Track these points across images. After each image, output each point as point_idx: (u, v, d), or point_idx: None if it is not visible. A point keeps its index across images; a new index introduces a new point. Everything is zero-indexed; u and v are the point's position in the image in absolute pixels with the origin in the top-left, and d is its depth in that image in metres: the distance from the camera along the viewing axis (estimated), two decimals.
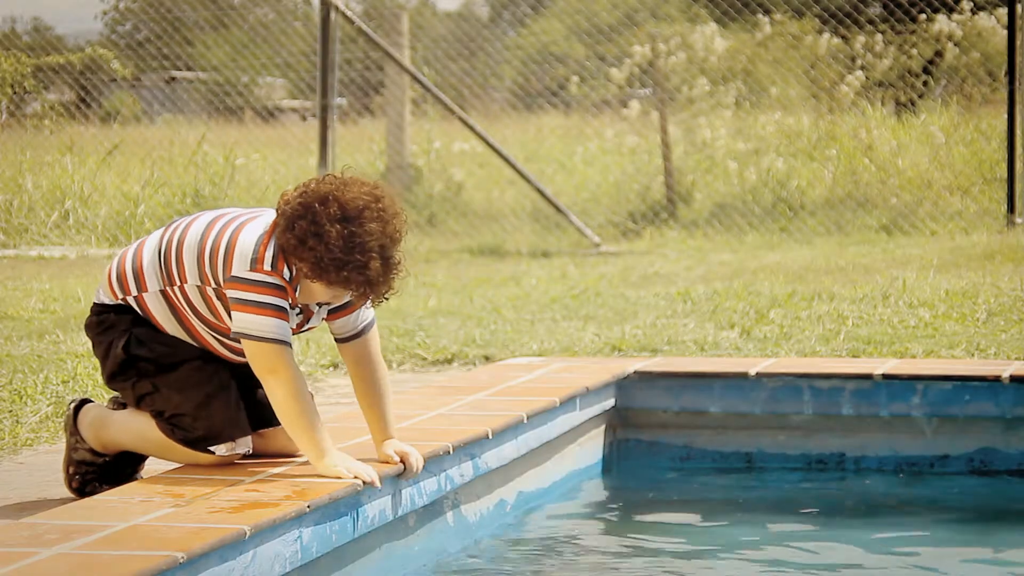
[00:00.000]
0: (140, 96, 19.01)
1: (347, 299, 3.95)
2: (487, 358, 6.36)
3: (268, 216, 3.91)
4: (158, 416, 4.01)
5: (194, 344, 4.02)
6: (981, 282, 8.36)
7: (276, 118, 17.84)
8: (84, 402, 4.24)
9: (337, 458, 3.81)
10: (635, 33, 14.84)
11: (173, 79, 18.61)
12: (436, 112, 15.20)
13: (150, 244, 4.04)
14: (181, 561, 3.06)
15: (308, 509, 3.53)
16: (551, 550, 4.50)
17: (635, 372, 5.56)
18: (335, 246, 3.72)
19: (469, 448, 4.39)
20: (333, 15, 13.46)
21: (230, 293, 3.81)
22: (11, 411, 5.21)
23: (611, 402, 5.50)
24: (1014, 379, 5.28)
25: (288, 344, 3.82)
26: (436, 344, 6.65)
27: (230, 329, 3.90)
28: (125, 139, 15.71)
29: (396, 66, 13.97)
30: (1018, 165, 12.35)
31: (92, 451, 4.16)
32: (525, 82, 16.27)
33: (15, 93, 15.33)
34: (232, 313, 3.82)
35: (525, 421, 4.73)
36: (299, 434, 3.82)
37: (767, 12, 14.71)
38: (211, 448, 3.98)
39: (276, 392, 3.81)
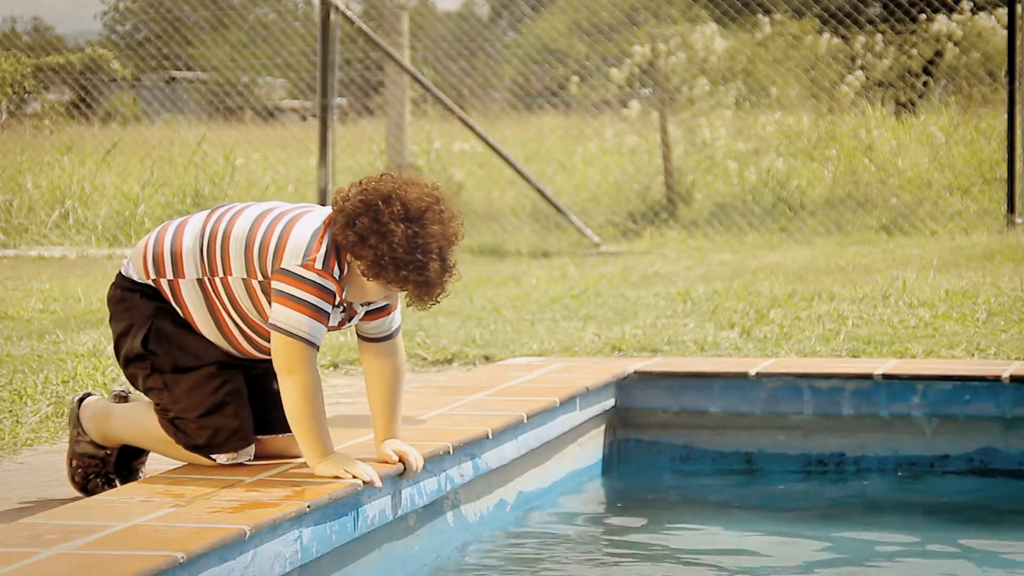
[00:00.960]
0: (140, 96, 19.00)
1: (393, 299, 3.95)
2: (487, 358, 6.37)
3: (320, 212, 3.91)
4: (163, 414, 4.01)
5: (216, 342, 4.00)
6: (981, 282, 8.36)
7: (276, 118, 17.84)
8: (87, 395, 4.24)
9: (335, 462, 3.82)
10: (635, 33, 14.84)
11: (173, 79, 18.61)
12: (436, 112, 15.20)
13: (192, 228, 3.99)
14: (181, 561, 3.06)
15: (308, 509, 3.53)
16: (551, 550, 4.50)
17: (635, 372, 5.56)
18: (398, 245, 3.75)
19: (469, 448, 4.39)
20: (333, 15, 13.46)
21: (276, 285, 3.81)
22: (11, 411, 5.21)
23: (611, 402, 5.50)
24: (1014, 379, 5.28)
25: (316, 347, 3.82)
26: (436, 344, 6.65)
27: (267, 323, 3.89)
28: (125, 139, 15.72)
29: (396, 66, 13.97)
30: (1018, 165, 12.35)
31: (94, 443, 4.16)
32: (525, 82, 16.28)
33: (15, 93, 15.33)
34: (272, 304, 3.82)
35: (525, 421, 4.73)
36: (303, 436, 3.83)
37: (767, 12, 14.71)
38: (212, 456, 3.99)
39: (291, 391, 3.81)
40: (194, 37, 17.25)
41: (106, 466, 4.17)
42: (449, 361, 6.42)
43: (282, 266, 3.80)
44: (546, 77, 16.39)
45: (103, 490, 4.07)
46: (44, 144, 15.18)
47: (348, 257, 3.80)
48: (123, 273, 4.09)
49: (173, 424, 4.00)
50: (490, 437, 4.49)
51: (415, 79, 13.83)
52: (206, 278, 3.95)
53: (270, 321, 3.82)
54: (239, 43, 17.07)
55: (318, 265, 3.79)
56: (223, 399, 3.99)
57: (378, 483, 3.80)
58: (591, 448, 5.45)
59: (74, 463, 4.17)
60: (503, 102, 16.77)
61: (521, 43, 18.22)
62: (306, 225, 3.85)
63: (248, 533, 3.29)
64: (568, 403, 5.10)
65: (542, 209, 13.35)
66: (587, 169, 14.72)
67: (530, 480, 4.94)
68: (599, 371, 5.52)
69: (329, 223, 3.82)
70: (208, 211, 4.05)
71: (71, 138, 15.36)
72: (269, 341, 3.87)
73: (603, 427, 5.53)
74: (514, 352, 6.41)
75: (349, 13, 13.68)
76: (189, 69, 17.69)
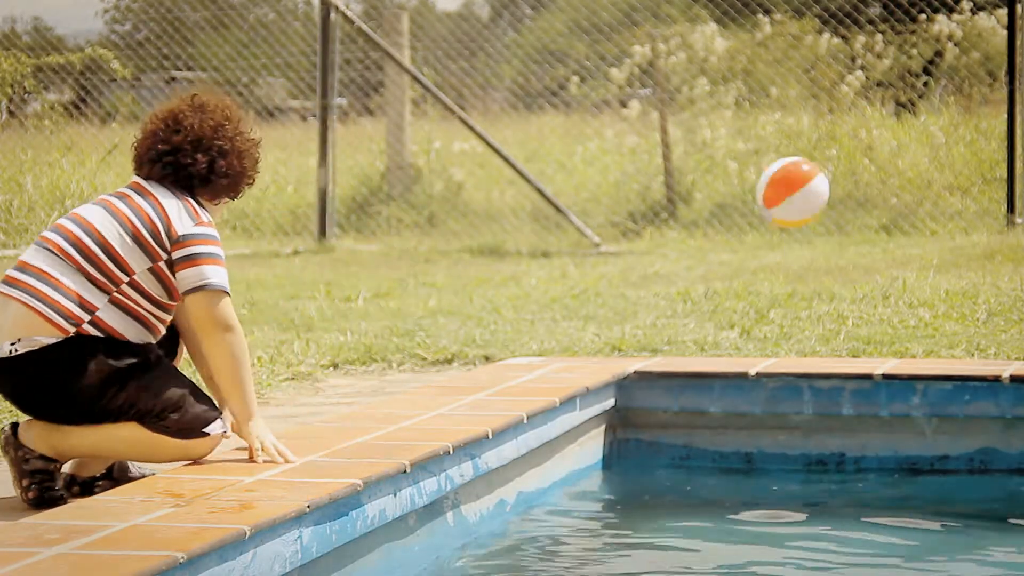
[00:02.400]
0: (140, 96, 19.00)
1: None
2: (487, 358, 6.36)
3: (148, 189, 4.01)
4: (143, 419, 3.96)
5: (149, 342, 4.00)
6: (981, 282, 8.36)
7: (276, 118, 17.84)
8: (15, 424, 4.10)
9: (262, 427, 3.89)
10: (635, 33, 14.84)
11: (173, 79, 18.61)
12: (436, 112, 15.20)
13: (59, 270, 3.91)
14: (181, 561, 3.06)
15: (308, 509, 3.53)
16: (551, 550, 4.50)
17: (635, 372, 5.56)
18: (239, 165, 4.05)
19: (469, 448, 4.39)
20: (333, 15, 13.46)
21: (180, 252, 3.88)
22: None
23: (611, 402, 5.50)
24: (1014, 379, 5.27)
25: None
26: (436, 344, 6.65)
27: (175, 302, 3.95)
28: (125, 139, 15.71)
29: (396, 66, 13.97)
30: (1018, 165, 12.35)
31: (43, 458, 4.01)
32: (525, 82, 16.27)
33: (15, 93, 15.32)
34: (181, 272, 3.88)
35: (525, 421, 4.73)
36: (242, 392, 3.87)
37: (767, 12, 14.71)
38: (207, 430, 3.98)
39: (231, 347, 3.85)
40: (194, 37, 17.25)
41: (55, 480, 4.02)
42: (449, 361, 6.42)
43: (180, 234, 3.89)
44: (546, 77, 16.39)
45: (59, 503, 3.95)
46: (44, 144, 15.18)
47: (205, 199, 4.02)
48: (27, 350, 3.89)
49: (159, 421, 3.96)
50: (490, 437, 4.49)
51: (415, 79, 13.83)
52: (113, 293, 3.93)
53: (192, 286, 3.86)
54: (239, 43, 17.07)
55: (204, 219, 3.93)
56: (183, 379, 4.01)
57: (292, 459, 3.88)
58: (591, 448, 5.45)
59: (25, 482, 4.00)
60: (503, 102, 16.77)
61: (521, 43, 18.23)
62: (162, 196, 3.98)
63: (248, 533, 3.29)
64: (568, 403, 5.10)
65: (542, 209, 13.35)
66: (587, 169, 14.72)
67: (530, 480, 4.94)
68: (599, 371, 5.52)
69: (170, 185, 3.99)
70: (39, 248, 3.96)
71: (71, 138, 15.36)
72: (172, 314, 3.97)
73: (603, 427, 5.53)
74: (514, 352, 6.41)
75: (349, 13, 13.68)
76: (189, 69, 17.68)
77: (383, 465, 3.92)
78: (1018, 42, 12.50)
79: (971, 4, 14.34)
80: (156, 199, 3.97)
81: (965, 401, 5.32)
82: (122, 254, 3.92)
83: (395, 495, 3.97)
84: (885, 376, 5.38)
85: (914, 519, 4.89)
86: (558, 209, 13.01)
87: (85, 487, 4.10)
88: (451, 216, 13.95)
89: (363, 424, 4.56)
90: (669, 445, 5.60)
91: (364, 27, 13.75)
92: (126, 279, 3.93)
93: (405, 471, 3.99)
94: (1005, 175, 12.53)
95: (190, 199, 4.00)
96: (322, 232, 13.36)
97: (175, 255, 3.91)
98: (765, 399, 5.46)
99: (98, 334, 3.92)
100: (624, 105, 15.24)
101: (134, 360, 3.95)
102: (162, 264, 3.92)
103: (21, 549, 3.11)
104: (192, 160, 4.04)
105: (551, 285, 9.43)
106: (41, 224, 13.74)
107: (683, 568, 4.33)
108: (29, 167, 14.39)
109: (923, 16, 14.22)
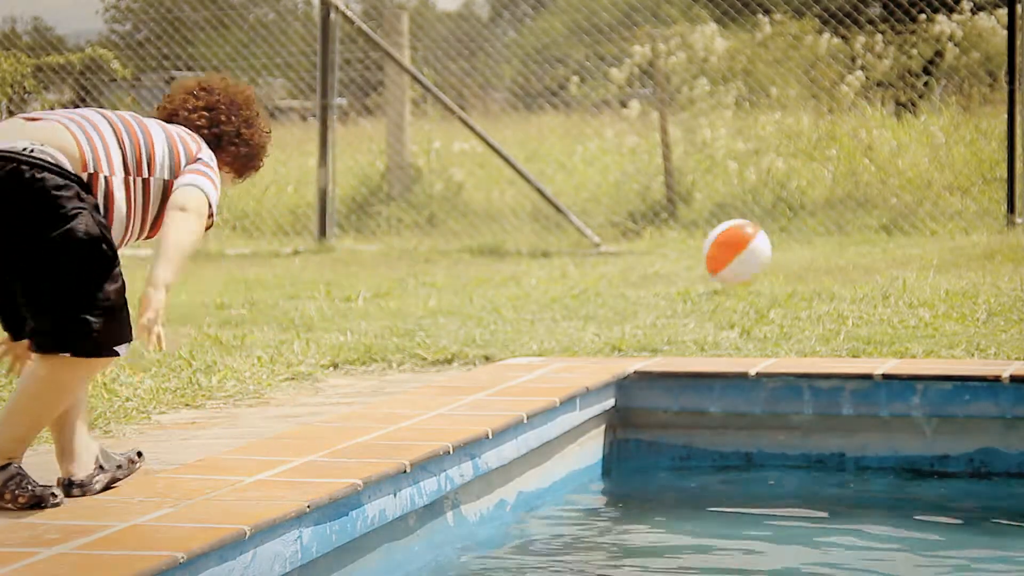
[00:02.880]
0: (140, 96, 18.99)
1: None
2: (487, 358, 6.36)
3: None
4: (80, 308, 3.81)
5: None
6: (981, 282, 8.36)
7: (276, 118, 17.84)
8: None
9: (162, 301, 3.89)
10: (635, 33, 14.84)
11: (173, 79, 18.59)
12: (436, 112, 15.20)
13: (105, 129, 3.96)
14: (181, 561, 3.06)
15: (308, 509, 3.53)
16: (551, 550, 4.50)
17: (635, 372, 5.56)
18: (259, 141, 4.29)
19: (469, 448, 4.39)
20: (333, 15, 13.46)
21: (198, 167, 4.03)
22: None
23: (611, 402, 5.50)
24: (1014, 379, 5.27)
25: (208, 217, 4.04)
26: (436, 344, 6.65)
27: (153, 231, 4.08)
28: None
29: (396, 66, 13.97)
30: (1018, 165, 12.35)
31: (2, 468, 3.78)
32: (525, 82, 16.27)
33: (15, 93, 15.32)
34: (189, 171, 4.02)
35: (525, 421, 4.73)
36: (174, 260, 3.89)
37: (767, 12, 14.71)
38: (117, 349, 3.86)
39: (189, 224, 3.92)
40: (194, 37, 17.25)
41: (28, 477, 3.79)
42: (449, 361, 6.42)
43: (203, 158, 4.06)
44: (546, 77, 16.38)
45: (50, 503, 3.74)
46: None
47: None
48: (51, 160, 3.80)
49: (83, 320, 3.79)
50: (490, 437, 4.49)
51: (415, 79, 13.83)
52: (131, 178, 3.95)
53: (191, 183, 3.98)
54: (239, 43, 17.06)
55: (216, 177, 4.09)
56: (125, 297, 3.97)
57: (164, 347, 3.88)
58: (591, 448, 5.45)
59: (8, 496, 3.71)
60: (503, 102, 16.77)
61: (521, 43, 18.22)
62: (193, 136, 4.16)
63: (248, 533, 3.29)
64: (568, 403, 5.10)
65: (542, 209, 13.35)
66: (587, 169, 14.72)
67: (530, 480, 4.94)
68: (599, 371, 5.52)
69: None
70: (96, 113, 4.02)
71: None
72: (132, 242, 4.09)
73: (603, 427, 5.53)
74: (514, 352, 6.41)
75: (349, 13, 13.68)
76: (189, 69, 17.68)
77: (383, 465, 3.92)
78: (1018, 42, 12.50)
79: (971, 4, 14.34)
80: (195, 137, 4.13)
81: (965, 401, 5.32)
82: (156, 151, 3.99)
83: (395, 495, 3.97)
84: (885, 376, 5.38)
85: (914, 519, 4.89)
86: (558, 209, 13.01)
87: (85, 488, 3.93)
88: (451, 216, 13.95)
89: (363, 424, 4.56)
90: (669, 445, 5.60)
91: (364, 27, 13.75)
92: (146, 174, 3.98)
93: (405, 471, 3.99)
94: (1005, 175, 12.54)
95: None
96: (322, 232, 13.36)
97: (194, 167, 4.05)
98: (765, 399, 5.46)
99: (101, 195, 3.90)
100: (624, 105, 15.24)
101: (111, 244, 3.91)
102: (174, 182, 4.00)
103: (21, 549, 3.11)
104: (226, 118, 4.22)
105: (551, 285, 9.43)
106: None
107: (683, 568, 4.33)
108: None
109: (923, 16, 14.22)
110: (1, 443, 3.82)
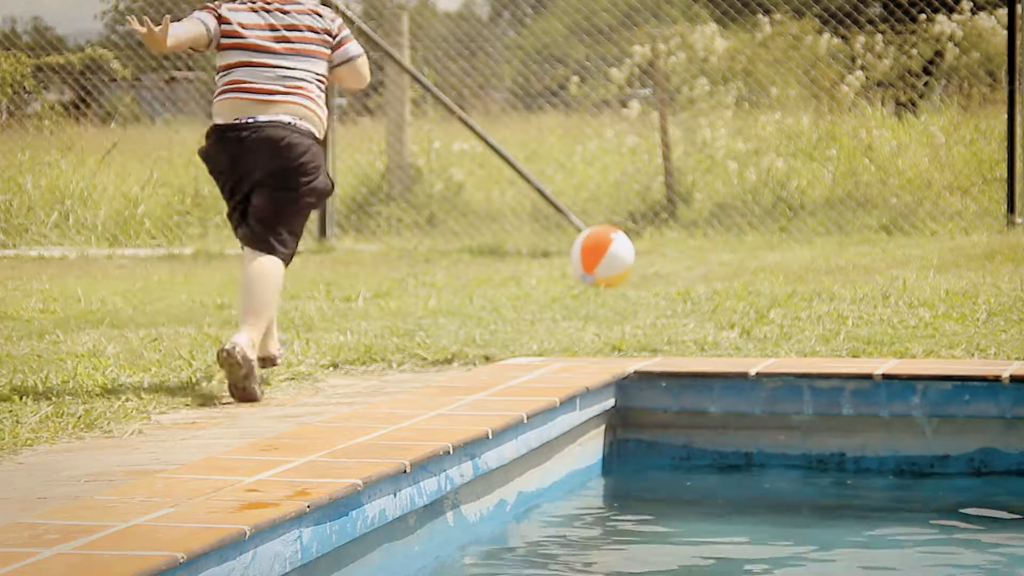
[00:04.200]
0: (140, 96, 19.00)
1: None
2: (487, 358, 6.36)
3: None
4: (294, 236, 5.64)
5: None
6: (981, 282, 8.36)
7: None
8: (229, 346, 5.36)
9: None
10: (635, 33, 14.84)
11: (173, 79, 18.60)
12: (436, 112, 15.20)
13: (295, 76, 5.62)
14: (181, 561, 3.06)
15: (308, 509, 3.53)
16: (551, 550, 4.50)
17: (635, 372, 5.56)
18: None
19: (469, 448, 4.39)
20: None
21: (345, 33, 5.79)
22: (11, 411, 5.21)
23: (611, 402, 5.50)
24: (1014, 379, 5.27)
25: None
26: (436, 344, 6.66)
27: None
28: (125, 139, 15.72)
29: (396, 66, 13.97)
30: (1018, 165, 12.35)
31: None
32: (525, 82, 16.27)
33: (15, 93, 15.32)
34: (350, 44, 5.78)
35: (525, 421, 4.73)
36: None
37: (767, 12, 14.71)
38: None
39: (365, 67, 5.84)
40: None
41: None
42: (449, 361, 6.42)
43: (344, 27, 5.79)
44: (546, 77, 16.38)
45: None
46: (44, 144, 15.18)
47: None
48: (306, 127, 5.58)
49: (294, 244, 5.62)
50: (490, 437, 4.49)
51: (415, 79, 13.83)
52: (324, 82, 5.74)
53: (357, 52, 5.80)
54: None
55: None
56: None
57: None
58: (591, 448, 5.45)
59: (247, 386, 5.41)
60: (503, 102, 16.77)
61: (521, 43, 18.22)
62: None
63: (248, 533, 3.29)
64: (568, 403, 5.10)
65: (542, 209, 13.35)
66: (587, 169, 14.72)
67: (530, 480, 4.95)
68: (599, 371, 5.52)
69: None
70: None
71: (71, 138, 15.36)
72: None
73: (603, 427, 5.53)
74: (514, 352, 6.41)
75: (349, 13, 13.68)
76: (189, 69, 17.68)
77: (383, 465, 3.92)
78: (1018, 42, 12.51)
79: (971, 4, 14.34)
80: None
81: (965, 401, 5.33)
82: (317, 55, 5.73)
83: (395, 495, 3.97)
84: (885, 376, 5.38)
85: (914, 519, 4.89)
86: (558, 209, 13.01)
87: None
88: (451, 216, 13.95)
89: (363, 424, 4.56)
90: (669, 445, 5.60)
91: (364, 27, 13.75)
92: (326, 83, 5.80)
93: (405, 471, 3.99)
94: (1005, 175, 12.54)
95: None
96: (322, 232, 13.36)
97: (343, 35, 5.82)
98: (765, 399, 5.47)
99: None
100: (624, 105, 15.24)
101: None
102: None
103: (21, 549, 3.11)
104: None
105: (551, 285, 9.43)
106: (41, 224, 13.74)
107: (683, 568, 4.33)
108: (28, 167, 14.39)
109: (923, 16, 14.22)
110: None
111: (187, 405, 5.45)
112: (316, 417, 5.07)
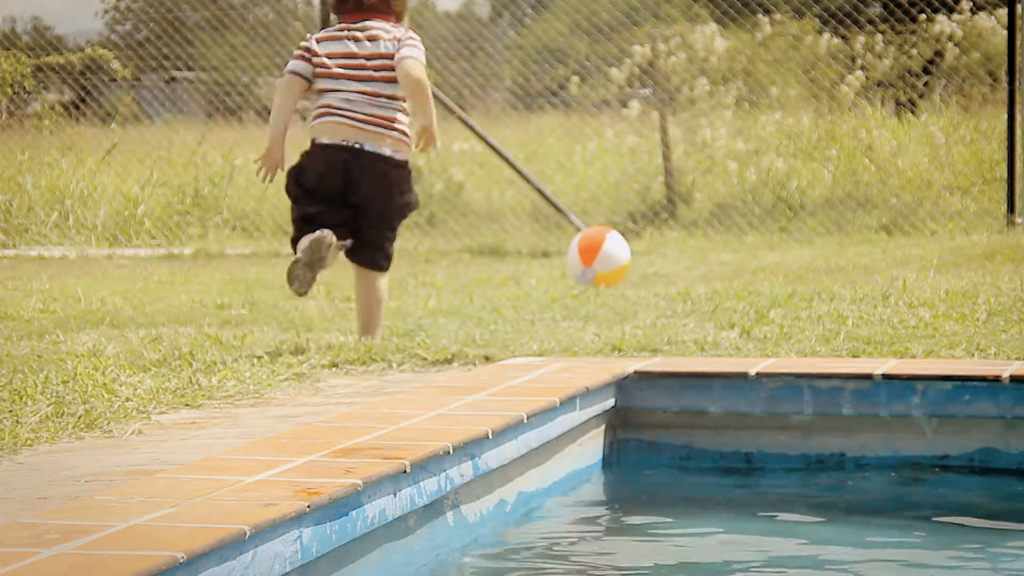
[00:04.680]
0: (140, 96, 19.00)
1: None
2: (487, 358, 6.36)
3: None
4: (390, 246, 6.72)
5: None
6: (981, 282, 8.36)
7: None
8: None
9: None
10: (635, 33, 14.84)
11: (173, 79, 18.61)
12: (436, 112, 15.21)
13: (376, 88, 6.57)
14: (181, 561, 3.06)
15: (308, 509, 3.53)
16: (551, 550, 4.50)
17: (635, 372, 5.56)
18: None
19: (469, 448, 4.39)
20: (333, 15, 13.45)
21: (407, 39, 6.56)
22: (11, 411, 5.20)
23: (611, 402, 5.50)
24: (1014, 379, 5.27)
25: None
26: (436, 344, 6.66)
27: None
28: (125, 139, 15.72)
29: None
30: (1018, 165, 12.36)
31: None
32: (525, 82, 16.27)
33: (15, 93, 15.32)
34: (404, 48, 6.53)
35: (525, 421, 4.73)
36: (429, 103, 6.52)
37: (767, 12, 14.71)
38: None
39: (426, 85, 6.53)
40: (194, 37, 17.25)
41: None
42: (449, 361, 6.42)
43: (411, 37, 6.64)
44: (546, 77, 16.39)
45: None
46: (44, 144, 15.19)
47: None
48: (392, 155, 6.60)
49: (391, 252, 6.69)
50: (490, 437, 4.49)
51: None
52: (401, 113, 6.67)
53: (416, 55, 6.54)
54: (239, 43, 17.06)
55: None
56: None
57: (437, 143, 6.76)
58: (591, 448, 5.45)
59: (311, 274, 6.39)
60: (503, 102, 16.77)
61: (521, 43, 18.22)
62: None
63: (248, 533, 3.29)
64: (568, 403, 5.10)
65: (542, 209, 13.35)
66: (587, 169, 14.72)
67: (530, 480, 4.95)
68: (599, 371, 5.52)
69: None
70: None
71: (71, 138, 15.36)
72: None
73: (603, 427, 5.53)
74: (514, 352, 6.41)
75: None
76: (189, 69, 17.68)
77: (383, 465, 3.92)
78: (1018, 42, 12.51)
79: (971, 4, 14.35)
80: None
81: (965, 401, 5.32)
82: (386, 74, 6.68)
83: (395, 495, 3.97)
84: (885, 376, 5.38)
85: (914, 519, 4.89)
86: (558, 209, 13.01)
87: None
88: (451, 216, 13.95)
89: (363, 424, 4.56)
90: (669, 445, 5.60)
91: None
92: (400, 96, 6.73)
93: (405, 471, 3.99)
94: (1005, 175, 12.54)
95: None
96: None
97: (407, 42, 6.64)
98: (765, 399, 5.46)
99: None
100: (624, 105, 15.24)
101: None
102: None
103: (21, 549, 3.11)
104: None
105: (551, 285, 9.43)
106: (41, 224, 13.75)
107: (683, 568, 4.33)
108: (28, 167, 14.39)
109: (923, 16, 14.22)
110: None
111: (187, 405, 5.46)
112: (316, 417, 5.07)
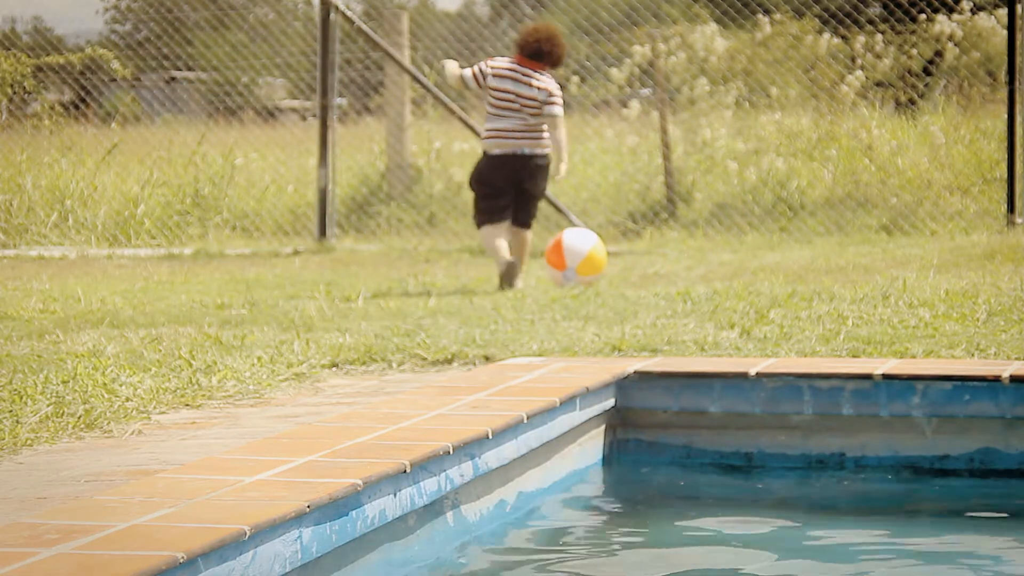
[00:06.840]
0: (140, 96, 19.00)
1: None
2: (487, 358, 6.36)
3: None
4: (535, 215, 9.88)
5: None
6: (981, 282, 8.36)
7: (276, 118, 17.83)
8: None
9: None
10: (635, 33, 14.84)
11: (173, 79, 18.62)
12: (436, 112, 15.21)
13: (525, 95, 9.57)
14: (181, 561, 3.06)
15: (308, 509, 3.53)
16: (552, 550, 4.50)
17: (635, 372, 5.56)
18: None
19: (469, 448, 4.39)
20: (333, 15, 13.46)
21: (552, 99, 9.56)
22: (11, 411, 5.21)
23: (611, 402, 5.50)
24: (1014, 379, 5.27)
25: None
26: (436, 344, 6.66)
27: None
28: (125, 139, 15.72)
29: (396, 66, 13.97)
30: (1018, 165, 12.35)
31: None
32: None
33: (15, 93, 15.33)
34: (550, 107, 9.48)
35: (525, 421, 4.73)
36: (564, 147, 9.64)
37: (767, 12, 14.71)
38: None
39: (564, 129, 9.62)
40: (194, 37, 17.25)
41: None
42: (449, 361, 6.42)
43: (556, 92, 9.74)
44: None
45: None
46: (44, 144, 15.19)
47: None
48: (540, 152, 9.55)
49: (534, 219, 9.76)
50: (490, 437, 4.49)
51: (415, 79, 13.83)
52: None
53: (558, 111, 9.57)
54: (239, 43, 17.06)
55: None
56: None
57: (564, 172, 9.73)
58: (591, 448, 5.45)
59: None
60: None
61: None
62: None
63: (248, 533, 3.29)
64: (568, 403, 5.10)
65: (542, 209, 13.35)
66: (587, 169, 14.72)
67: (530, 480, 4.95)
68: (599, 371, 5.52)
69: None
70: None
71: (71, 138, 15.36)
72: None
73: (603, 427, 5.53)
74: (514, 352, 6.41)
75: (349, 13, 13.68)
76: (189, 69, 17.68)
77: (383, 465, 3.92)
78: (1018, 42, 12.51)
79: (971, 4, 14.35)
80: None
81: (965, 401, 5.33)
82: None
83: (395, 495, 3.97)
84: (885, 376, 5.38)
85: (914, 519, 4.89)
86: (558, 209, 13.01)
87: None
88: (451, 216, 13.95)
89: (363, 424, 4.56)
90: (669, 445, 5.60)
91: (364, 27, 13.75)
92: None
93: (405, 471, 3.99)
94: (1005, 175, 12.54)
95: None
96: (322, 232, 13.36)
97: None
98: (765, 399, 5.47)
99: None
100: (624, 105, 15.24)
101: None
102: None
103: (21, 549, 3.11)
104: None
105: (551, 285, 9.43)
106: (41, 224, 13.75)
107: (683, 568, 4.33)
108: (29, 167, 14.39)
109: (923, 16, 14.22)
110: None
111: (187, 405, 5.46)
112: (316, 417, 5.07)
